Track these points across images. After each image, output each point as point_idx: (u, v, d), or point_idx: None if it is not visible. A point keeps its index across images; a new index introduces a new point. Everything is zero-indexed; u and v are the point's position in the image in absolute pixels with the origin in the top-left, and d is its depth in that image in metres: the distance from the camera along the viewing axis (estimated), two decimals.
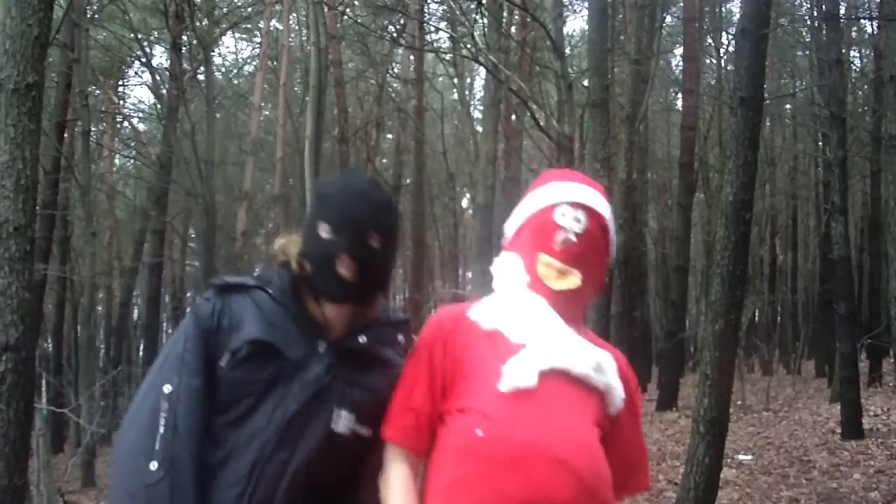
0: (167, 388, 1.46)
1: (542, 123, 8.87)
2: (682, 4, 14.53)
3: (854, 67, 14.78)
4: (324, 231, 1.50)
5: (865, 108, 12.76)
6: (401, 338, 1.61)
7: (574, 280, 1.47)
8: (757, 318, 19.80)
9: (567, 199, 1.51)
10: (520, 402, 1.36)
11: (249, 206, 15.03)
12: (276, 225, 18.97)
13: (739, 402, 11.07)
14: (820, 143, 15.68)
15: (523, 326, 1.44)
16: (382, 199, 1.55)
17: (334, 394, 1.50)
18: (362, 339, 1.54)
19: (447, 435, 1.41)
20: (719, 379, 4.45)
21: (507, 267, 1.52)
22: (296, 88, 18.50)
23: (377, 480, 1.51)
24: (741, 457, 7.60)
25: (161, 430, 1.42)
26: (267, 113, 20.51)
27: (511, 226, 1.59)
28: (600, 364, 1.45)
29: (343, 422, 1.51)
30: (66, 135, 12.52)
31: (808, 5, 14.34)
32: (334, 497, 1.56)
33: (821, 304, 15.22)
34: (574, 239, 1.47)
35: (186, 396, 1.45)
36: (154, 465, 1.40)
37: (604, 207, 1.53)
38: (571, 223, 1.48)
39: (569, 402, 1.41)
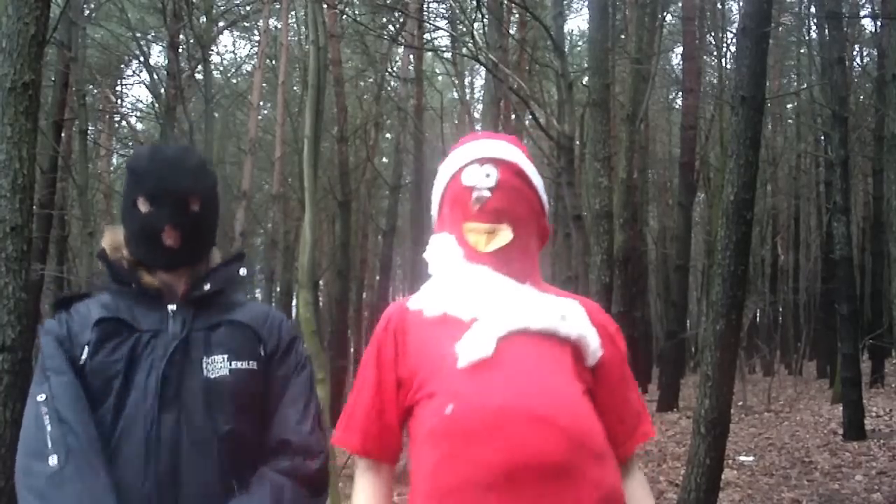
0: (41, 396, 1.44)
1: (542, 122, 8.83)
2: (682, 3, 14.50)
3: (856, 66, 14.74)
4: (143, 205, 1.53)
5: (868, 106, 12.72)
6: (242, 271, 1.66)
7: (505, 234, 1.39)
8: (758, 319, 19.78)
9: (471, 157, 1.44)
10: (484, 372, 1.30)
11: (248, 205, 14.99)
12: (275, 224, 18.96)
13: (741, 403, 11.05)
14: (822, 143, 15.67)
15: (470, 301, 1.37)
16: (195, 163, 1.58)
17: (199, 344, 1.51)
18: (207, 286, 1.57)
19: (419, 425, 1.36)
20: (720, 379, 4.42)
21: (438, 248, 1.46)
22: (294, 87, 18.47)
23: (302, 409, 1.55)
24: (742, 458, 7.58)
25: (48, 428, 1.40)
26: (265, 112, 20.48)
27: (433, 208, 1.53)
28: (565, 314, 1.38)
29: (217, 366, 1.50)
30: (63, 134, 12.45)
31: (809, 3, 14.33)
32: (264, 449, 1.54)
33: (822, 304, 15.21)
34: (488, 194, 1.40)
35: (61, 391, 1.43)
36: (53, 460, 1.37)
37: (513, 154, 1.45)
38: (481, 180, 1.41)
39: (537, 359, 1.34)
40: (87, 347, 1.48)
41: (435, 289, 1.43)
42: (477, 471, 1.25)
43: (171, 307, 1.54)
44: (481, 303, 1.37)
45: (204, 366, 1.49)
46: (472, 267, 1.40)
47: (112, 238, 1.61)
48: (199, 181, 1.58)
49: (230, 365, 1.51)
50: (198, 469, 1.43)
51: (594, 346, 1.39)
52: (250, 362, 1.53)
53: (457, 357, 1.32)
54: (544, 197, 1.49)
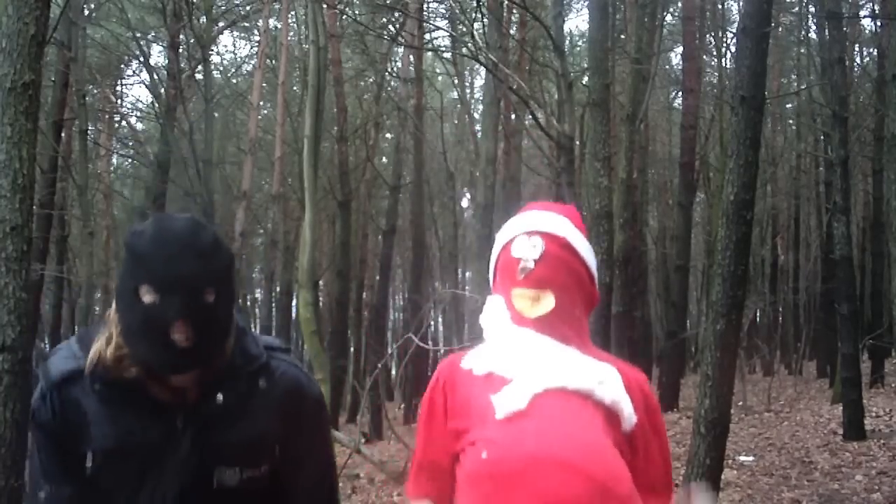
0: (42, 496, 1.39)
1: (542, 122, 8.83)
2: (682, 3, 14.50)
3: (856, 66, 14.75)
4: (146, 295, 1.29)
5: (868, 106, 12.73)
6: (262, 383, 1.46)
7: (548, 301, 1.50)
8: (758, 319, 19.78)
9: (520, 230, 1.57)
10: (519, 421, 1.41)
11: (248, 205, 15.01)
12: (275, 224, 18.96)
13: (741, 403, 11.05)
14: (822, 143, 15.68)
15: (514, 361, 1.49)
16: (209, 241, 1.33)
17: (208, 458, 1.40)
18: (220, 397, 1.40)
19: (461, 470, 1.47)
20: (720, 379, 4.43)
21: (491, 311, 1.58)
22: (294, 87, 18.49)
23: None
24: (742, 458, 7.58)
25: None
26: (265, 112, 20.49)
27: (490, 273, 1.66)
28: (602, 377, 1.47)
29: (228, 475, 1.41)
30: (63, 134, 12.48)
31: (808, 3, 14.33)
32: None
33: (822, 304, 15.21)
34: (532, 265, 1.51)
35: None
36: None
37: (560, 227, 1.56)
38: (527, 251, 1.53)
39: (571, 412, 1.43)
40: (90, 455, 1.37)
41: (485, 349, 1.55)
42: None
43: (180, 420, 1.38)
44: (524, 362, 1.48)
45: (215, 477, 1.41)
46: (518, 330, 1.53)
47: (108, 342, 1.38)
48: (215, 264, 1.33)
49: (242, 475, 1.43)
50: None
51: (627, 412, 1.47)
52: (263, 468, 1.45)
53: (495, 409, 1.43)
54: (593, 266, 1.59)
